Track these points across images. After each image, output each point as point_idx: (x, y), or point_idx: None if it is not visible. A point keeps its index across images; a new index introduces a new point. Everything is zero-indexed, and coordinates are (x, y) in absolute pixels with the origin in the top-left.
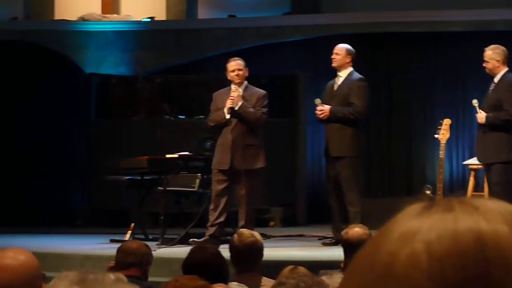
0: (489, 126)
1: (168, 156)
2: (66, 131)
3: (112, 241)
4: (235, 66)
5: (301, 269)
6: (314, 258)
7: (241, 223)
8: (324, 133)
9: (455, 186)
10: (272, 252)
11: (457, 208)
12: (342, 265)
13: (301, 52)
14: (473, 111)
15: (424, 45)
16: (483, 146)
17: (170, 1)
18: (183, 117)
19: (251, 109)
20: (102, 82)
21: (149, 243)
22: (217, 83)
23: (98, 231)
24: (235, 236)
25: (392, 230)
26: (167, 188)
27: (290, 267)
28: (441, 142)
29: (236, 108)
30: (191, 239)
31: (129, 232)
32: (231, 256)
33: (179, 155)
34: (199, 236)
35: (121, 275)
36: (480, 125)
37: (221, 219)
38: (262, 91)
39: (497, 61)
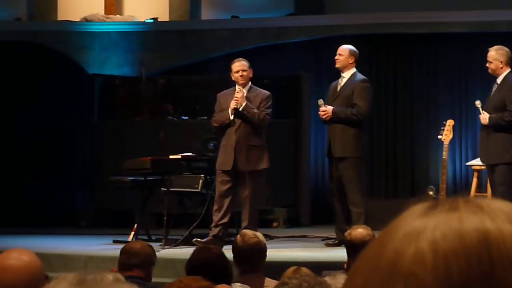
0: (492, 127)
1: (171, 157)
2: (69, 131)
3: (115, 242)
4: (239, 67)
5: (304, 269)
6: (318, 259)
7: (245, 224)
8: (327, 134)
9: (458, 187)
10: (275, 253)
11: (462, 208)
12: (345, 266)
13: (305, 53)
14: (476, 112)
15: (427, 46)
16: (487, 147)
17: (174, 1)
18: (186, 118)
19: (255, 110)
20: (105, 83)
21: (153, 244)
22: (221, 84)
23: (101, 232)
24: (238, 237)
25: (397, 229)
26: (171, 189)
27: (293, 267)
28: (444, 143)
29: (240, 109)
30: (194, 240)
31: (133, 233)
32: (234, 256)
33: (183, 156)
34: (202, 236)
35: (119, 276)
36: (484, 126)
37: (225, 219)
38: (266, 92)
39: (501, 62)
